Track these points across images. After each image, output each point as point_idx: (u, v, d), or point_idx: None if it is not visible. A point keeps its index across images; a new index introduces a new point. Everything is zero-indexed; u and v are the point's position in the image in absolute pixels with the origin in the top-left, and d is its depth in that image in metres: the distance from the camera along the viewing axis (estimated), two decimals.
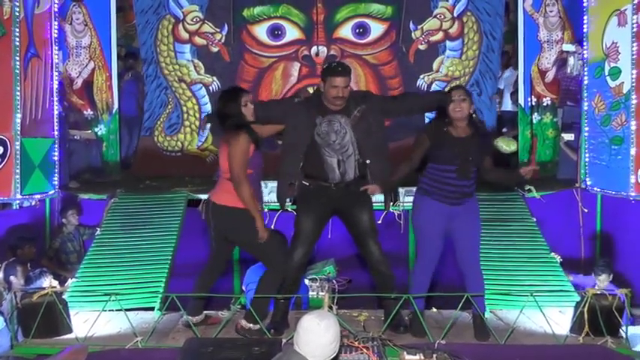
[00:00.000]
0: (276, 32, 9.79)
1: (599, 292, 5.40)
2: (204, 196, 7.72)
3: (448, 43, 9.80)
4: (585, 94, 7.97)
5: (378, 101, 5.50)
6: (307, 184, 5.36)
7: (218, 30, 9.75)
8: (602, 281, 6.54)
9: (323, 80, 5.28)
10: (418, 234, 5.35)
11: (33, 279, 6.15)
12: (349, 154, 5.28)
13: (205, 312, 5.68)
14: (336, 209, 5.42)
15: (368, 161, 5.29)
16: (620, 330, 5.29)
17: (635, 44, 6.98)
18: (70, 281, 6.30)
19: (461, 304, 5.21)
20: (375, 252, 5.37)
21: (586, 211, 7.98)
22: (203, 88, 9.80)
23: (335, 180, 5.28)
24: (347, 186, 5.31)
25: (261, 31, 9.80)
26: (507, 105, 10.23)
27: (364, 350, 4.37)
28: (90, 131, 9.19)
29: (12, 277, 6.61)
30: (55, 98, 7.54)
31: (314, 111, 5.27)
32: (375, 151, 5.32)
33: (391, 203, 5.55)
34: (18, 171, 6.87)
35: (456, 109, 5.16)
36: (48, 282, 5.89)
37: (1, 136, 6.80)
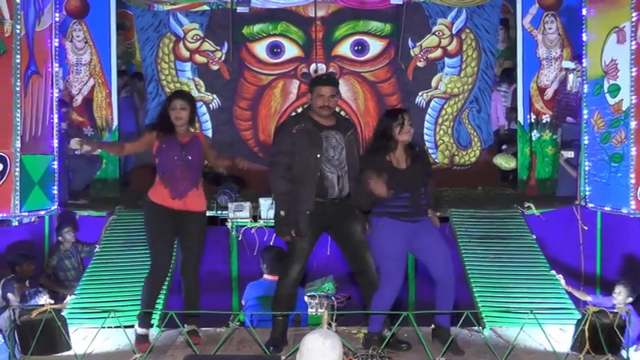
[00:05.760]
0: (275, 50, 9.84)
1: (599, 310, 5.37)
2: None
3: (447, 60, 9.85)
4: (585, 112, 7.99)
5: (357, 134, 5.60)
6: None
7: (218, 48, 9.79)
8: (618, 294, 6.43)
9: (310, 92, 5.33)
10: (380, 255, 5.26)
11: (28, 297, 6.12)
12: (346, 170, 5.29)
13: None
14: (329, 224, 5.39)
15: (350, 184, 5.31)
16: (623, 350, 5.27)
17: (634, 69, 6.98)
18: (69, 298, 6.28)
19: (461, 321, 5.18)
20: (372, 264, 5.34)
21: (586, 228, 7.96)
22: (204, 106, 9.82)
23: (333, 195, 5.27)
24: (341, 201, 5.31)
25: (260, 48, 9.85)
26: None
27: None
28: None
29: (9, 294, 6.59)
30: (55, 115, 7.55)
31: (314, 131, 5.25)
32: (355, 177, 5.31)
33: (368, 226, 5.44)
34: (17, 188, 6.85)
35: (404, 131, 5.20)
36: (43, 300, 5.87)
37: (1, 153, 6.79)
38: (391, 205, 5.18)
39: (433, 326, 5.58)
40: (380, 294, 5.26)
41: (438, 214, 5.72)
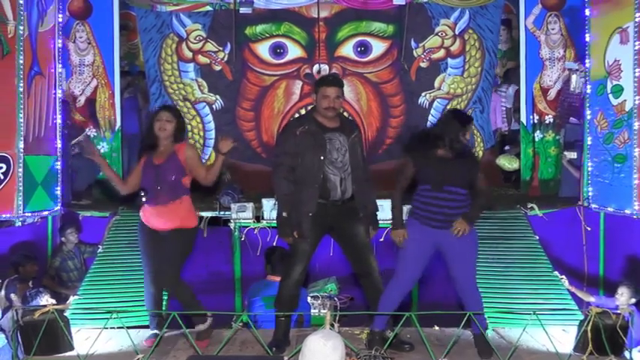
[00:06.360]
0: (278, 50, 9.83)
1: (602, 311, 5.36)
2: (205, 214, 7.77)
3: (450, 61, 9.83)
4: (588, 112, 7.98)
5: (361, 136, 5.57)
6: None
7: (221, 48, 9.78)
8: (621, 295, 6.41)
9: (315, 92, 5.32)
10: (401, 254, 5.23)
11: (29, 298, 6.13)
12: (349, 173, 5.28)
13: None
14: (332, 226, 5.38)
15: (353, 186, 5.29)
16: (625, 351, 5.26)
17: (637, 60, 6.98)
18: (71, 298, 6.29)
19: (463, 322, 5.17)
20: (375, 266, 5.35)
21: (589, 229, 7.95)
22: (207, 107, 9.82)
23: (335, 197, 5.26)
24: (343, 203, 5.30)
25: (263, 49, 9.83)
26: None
27: None
28: (85, 133, 9.16)
29: (12, 295, 6.60)
30: (58, 116, 7.57)
31: (318, 133, 5.24)
32: (360, 179, 5.31)
33: (372, 229, 5.45)
34: (21, 188, 6.87)
35: (464, 139, 5.19)
36: (45, 301, 5.88)
37: (4, 154, 6.81)
38: (423, 200, 5.10)
39: (437, 327, 5.58)
40: (388, 295, 5.22)
41: None
